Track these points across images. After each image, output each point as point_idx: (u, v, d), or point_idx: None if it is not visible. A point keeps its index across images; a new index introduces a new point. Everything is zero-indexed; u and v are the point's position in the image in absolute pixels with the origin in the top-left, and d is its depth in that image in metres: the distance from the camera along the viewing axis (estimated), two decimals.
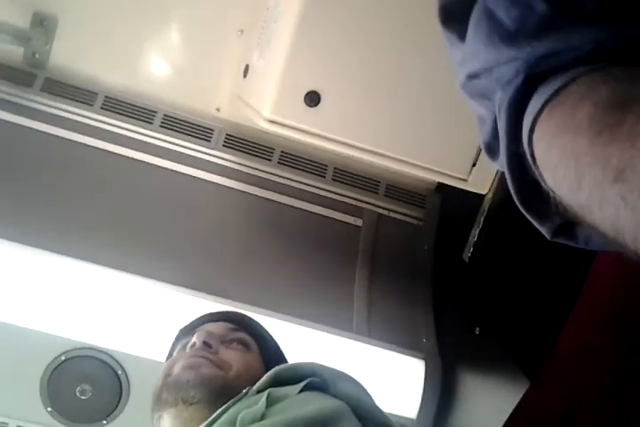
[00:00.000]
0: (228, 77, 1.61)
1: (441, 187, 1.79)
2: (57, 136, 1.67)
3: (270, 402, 0.89)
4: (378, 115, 1.27)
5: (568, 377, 1.21)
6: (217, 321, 1.17)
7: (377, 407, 0.99)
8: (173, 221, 1.66)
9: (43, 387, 1.50)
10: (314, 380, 0.95)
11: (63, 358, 1.48)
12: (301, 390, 0.91)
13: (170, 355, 1.18)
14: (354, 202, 1.84)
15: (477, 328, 1.61)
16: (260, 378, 1.02)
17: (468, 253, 1.64)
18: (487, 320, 1.59)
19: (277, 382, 0.96)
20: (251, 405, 0.90)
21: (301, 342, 1.58)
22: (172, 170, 1.69)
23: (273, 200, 1.77)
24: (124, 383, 1.51)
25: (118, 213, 1.62)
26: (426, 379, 1.65)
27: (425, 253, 1.88)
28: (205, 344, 1.06)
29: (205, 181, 1.71)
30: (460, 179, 1.39)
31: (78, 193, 1.62)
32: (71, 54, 1.69)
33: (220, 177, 1.72)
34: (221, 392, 0.99)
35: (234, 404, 0.93)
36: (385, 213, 1.87)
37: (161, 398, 1.00)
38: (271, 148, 1.74)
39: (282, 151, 1.75)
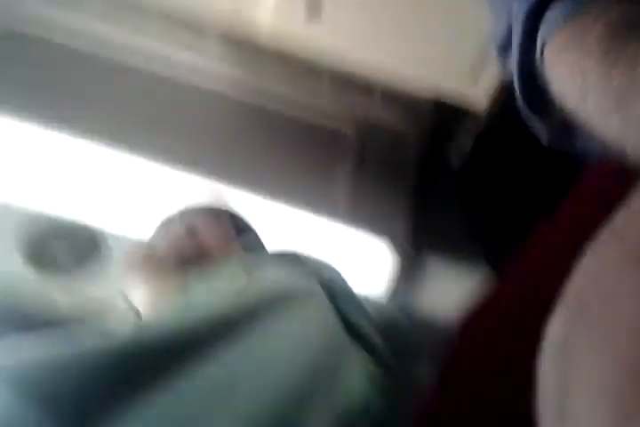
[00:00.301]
0: None
1: (437, 98, 1.80)
2: None
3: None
4: (376, 24, 1.27)
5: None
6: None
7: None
8: (163, 102, 1.69)
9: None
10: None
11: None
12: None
13: None
14: (346, 108, 1.84)
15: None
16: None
17: (457, 161, 1.68)
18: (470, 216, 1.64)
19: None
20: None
21: (284, 222, 1.66)
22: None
23: (262, 104, 1.78)
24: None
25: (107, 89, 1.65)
26: (395, 262, 1.73)
27: (412, 160, 1.91)
28: (189, 232, 1.14)
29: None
30: (458, 93, 1.41)
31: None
32: None
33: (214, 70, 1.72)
34: (194, 262, 1.08)
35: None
36: (377, 121, 1.87)
37: (138, 271, 1.07)
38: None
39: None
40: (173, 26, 1.64)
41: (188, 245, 1.12)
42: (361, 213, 1.73)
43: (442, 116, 1.72)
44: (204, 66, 1.72)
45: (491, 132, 1.53)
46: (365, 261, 1.72)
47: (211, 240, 1.15)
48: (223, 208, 1.30)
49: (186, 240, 1.13)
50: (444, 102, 1.55)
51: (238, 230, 1.23)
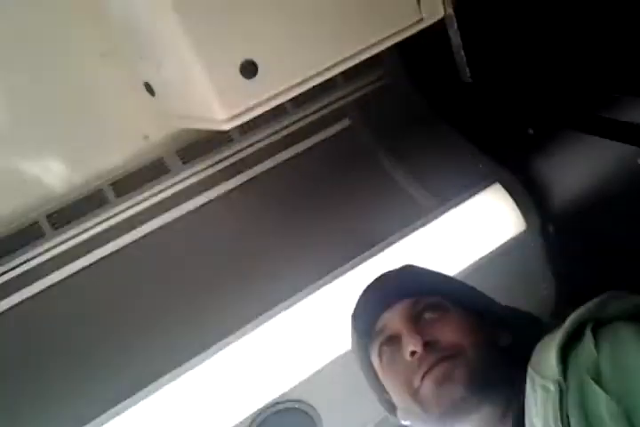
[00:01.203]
0: (130, 105, 1.36)
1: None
2: None
3: None
4: (305, 40, 1.09)
5: None
6: (390, 306, 1.06)
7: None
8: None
9: None
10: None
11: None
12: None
13: (367, 367, 1.10)
14: (326, 113, 1.68)
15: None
16: (476, 326, 1.00)
17: (466, 73, 1.50)
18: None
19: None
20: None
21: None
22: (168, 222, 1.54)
23: (263, 170, 1.62)
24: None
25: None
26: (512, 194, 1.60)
27: (421, 103, 1.76)
28: (425, 344, 0.97)
29: (197, 207, 1.57)
30: (415, 23, 1.23)
31: None
32: None
33: (205, 192, 1.57)
34: (485, 379, 0.94)
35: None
36: (358, 95, 1.71)
37: (443, 421, 0.95)
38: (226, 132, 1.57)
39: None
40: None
41: (446, 365, 0.95)
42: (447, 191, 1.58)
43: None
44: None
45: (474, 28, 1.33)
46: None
47: (442, 333, 0.99)
48: (392, 283, 1.13)
49: (433, 356, 0.96)
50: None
51: (429, 290, 1.07)
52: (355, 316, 1.12)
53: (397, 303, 1.05)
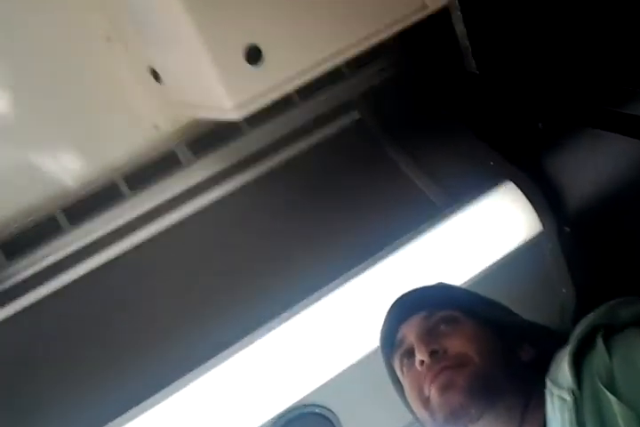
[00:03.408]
0: (138, 94, 1.36)
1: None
2: None
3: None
4: (308, 25, 1.09)
5: None
6: (406, 319, 1.09)
7: None
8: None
9: None
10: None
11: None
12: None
13: (395, 380, 1.12)
14: (334, 106, 1.66)
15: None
16: (491, 339, 1.01)
17: (472, 63, 1.48)
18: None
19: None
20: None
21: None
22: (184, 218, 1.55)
23: (273, 165, 1.61)
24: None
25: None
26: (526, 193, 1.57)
27: (428, 96, 1.73)
28: (431, 354, 1.00)
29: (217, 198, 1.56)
30: (418, 9, 1.22)
31: None
32: None
33: (217, 186, 1.57)
34: (489, 388, 0.95)
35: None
36: (365, 86, 1.69)
37: None
38: (235, 123, 1.54)
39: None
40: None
41: (450, 372, 0.97)
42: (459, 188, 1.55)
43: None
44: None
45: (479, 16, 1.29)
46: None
47: (451, 344, 1.01)
48: (408, 299, 1.16)
49: (438, 366, 0.98)
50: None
51: (443, 305, 1.09)
52: (381, 331, 1.16)
53: (412, 317, 1.09)
